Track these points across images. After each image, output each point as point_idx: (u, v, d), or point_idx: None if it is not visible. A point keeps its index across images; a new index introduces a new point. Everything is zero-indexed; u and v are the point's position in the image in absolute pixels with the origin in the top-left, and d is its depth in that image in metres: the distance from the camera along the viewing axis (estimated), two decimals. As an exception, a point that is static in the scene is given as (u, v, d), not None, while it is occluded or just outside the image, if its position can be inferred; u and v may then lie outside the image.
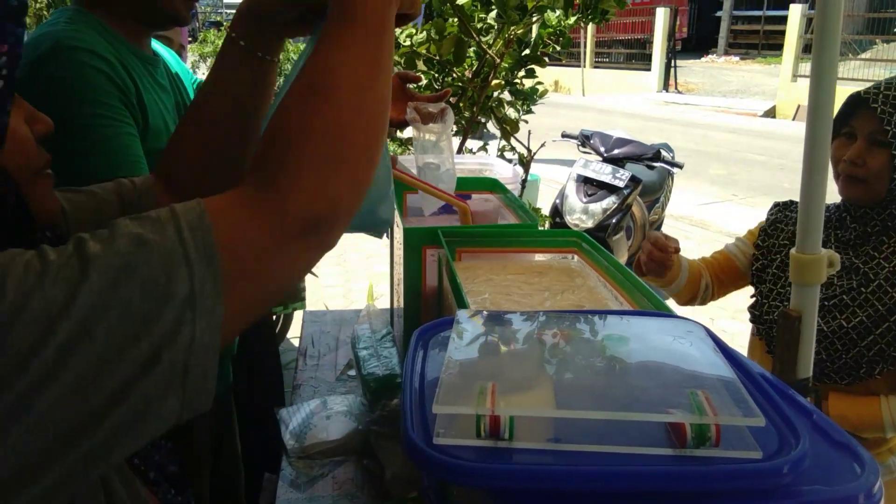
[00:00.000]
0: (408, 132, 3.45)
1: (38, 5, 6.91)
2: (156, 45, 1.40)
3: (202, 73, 9.12)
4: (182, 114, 1.36)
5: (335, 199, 0.59)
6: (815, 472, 0.61)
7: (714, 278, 1.72)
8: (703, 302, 1.75)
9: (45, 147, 0.64)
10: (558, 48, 2.92)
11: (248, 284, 0.57)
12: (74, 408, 0.48)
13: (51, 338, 0.47)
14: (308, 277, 3.79)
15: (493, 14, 2.77)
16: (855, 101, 1.38)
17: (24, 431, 0.47)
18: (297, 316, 3.66)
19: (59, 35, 1.11)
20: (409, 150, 3.34)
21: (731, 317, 4.30)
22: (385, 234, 1.84)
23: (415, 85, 2.96)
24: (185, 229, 0.53)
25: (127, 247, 0.51)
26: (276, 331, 3.57)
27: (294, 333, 3.66)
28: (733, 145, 10.02)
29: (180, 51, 2.31)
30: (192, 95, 1.45)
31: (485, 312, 0.87)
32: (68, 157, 1.02)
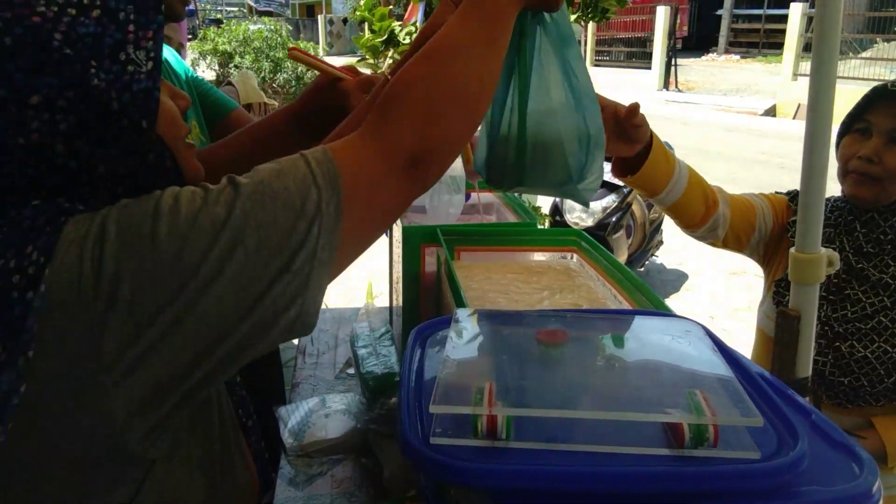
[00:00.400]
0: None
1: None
2: None
3: (202, 71, 9.11)
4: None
5: (433, 142, 0.69)
6: (814, 473, 0.61)
7: (730, 223, 1.41)
8: (709, 236, 1.43)
9: None
10: (558, 46, 2.91)
11: (362, 210, 0.66)
12: (226, 308, 0.58)
13: (215, 245, 0.58)
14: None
15: (493, 12, 2.76)
16: (878, 94, 1.31)
17: (189, 329, 0.57)
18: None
19: None
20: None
21: (731, 316, 4.30)
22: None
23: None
24: (312, 162, 0.65)
25: (269, 176, 0.63)
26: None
27: (293, 331, 3.66)
28: (733, 144, 10.02)
29: (179, 49, 2.31)
30: (185, 91, 1.45)
31: (483, 311, 0.87)
32: None
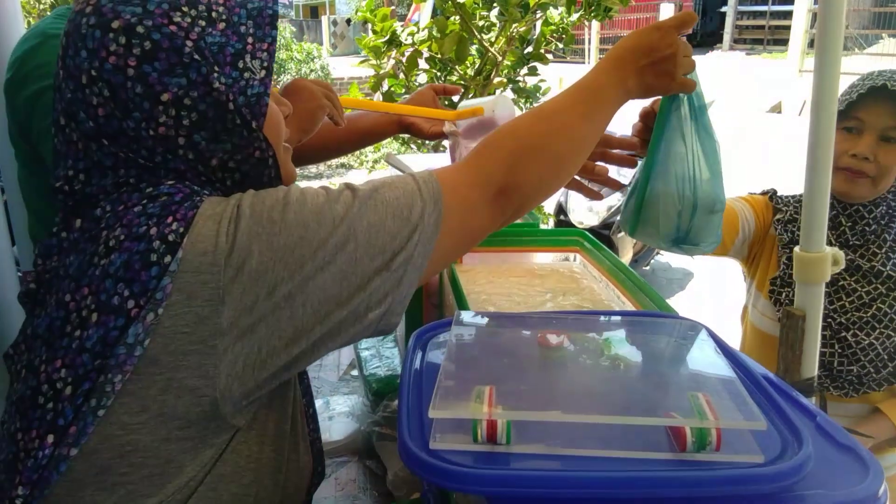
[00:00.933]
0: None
1: (41, 6, 6.92)
2: None
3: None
4: None
5: (517, 182, 0.78)
6: (818, 476, 0.60)
7: None
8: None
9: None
10: (561, 46, 2.91)
11: (456, 227, 0.74)
12: (331, 293, 0.66)
13: (332, 236, 0.66)
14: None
15: (495, 11, 2.76)
16: (869, 92, 1.28)
17: (297, 305, 0.64)
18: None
19: (44, 28, 1.12)
20: (412, 148, 3.33)
21: (737, 316, 4.26)
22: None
23: (417, 85, 2.95)
24: (419, 180, 0.73)
25: (382, 186, 0.72)
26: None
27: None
28: (738, 140, 9.99)
29: None
30: None
31: (484, 314, 0.86)
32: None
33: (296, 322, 0.65)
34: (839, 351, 1.34)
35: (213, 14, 0.69)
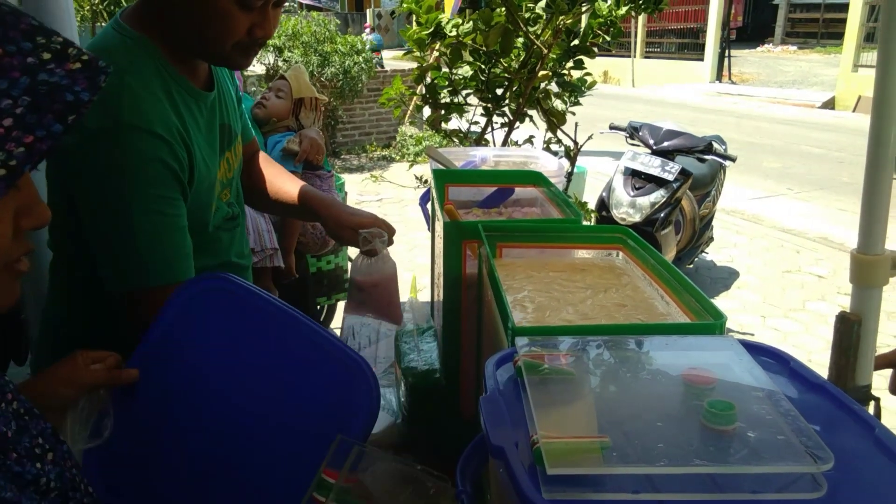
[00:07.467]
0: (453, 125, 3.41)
1: (93, 1, 7.07)
2: None
3: (252, 66, 9.22)
4: (223, 136, 1.37)
5: None
6: (876, 496, 0.57)
7: None
8: None
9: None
10: (608, 39, 2.85)
11: None
12: None
13: None
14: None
15: (541, 3, 2.72)
16: None
17: None
18: (340, 306, 3.69)
19: (118, 105, 1.09)
20: (454, 142, 3.32)
21: (784, 315, 4.15)
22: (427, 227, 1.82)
23: (461, 77, 2.92)
24: None
25: None
26: (321, 321, 3.60)
27: (337, 324, 3.69)
28: (789, 137, 9.72)
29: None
30: (234, 111, 1.46)
31: (545, 342, 0.80)
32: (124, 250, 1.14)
33: None
34: None
35: None
